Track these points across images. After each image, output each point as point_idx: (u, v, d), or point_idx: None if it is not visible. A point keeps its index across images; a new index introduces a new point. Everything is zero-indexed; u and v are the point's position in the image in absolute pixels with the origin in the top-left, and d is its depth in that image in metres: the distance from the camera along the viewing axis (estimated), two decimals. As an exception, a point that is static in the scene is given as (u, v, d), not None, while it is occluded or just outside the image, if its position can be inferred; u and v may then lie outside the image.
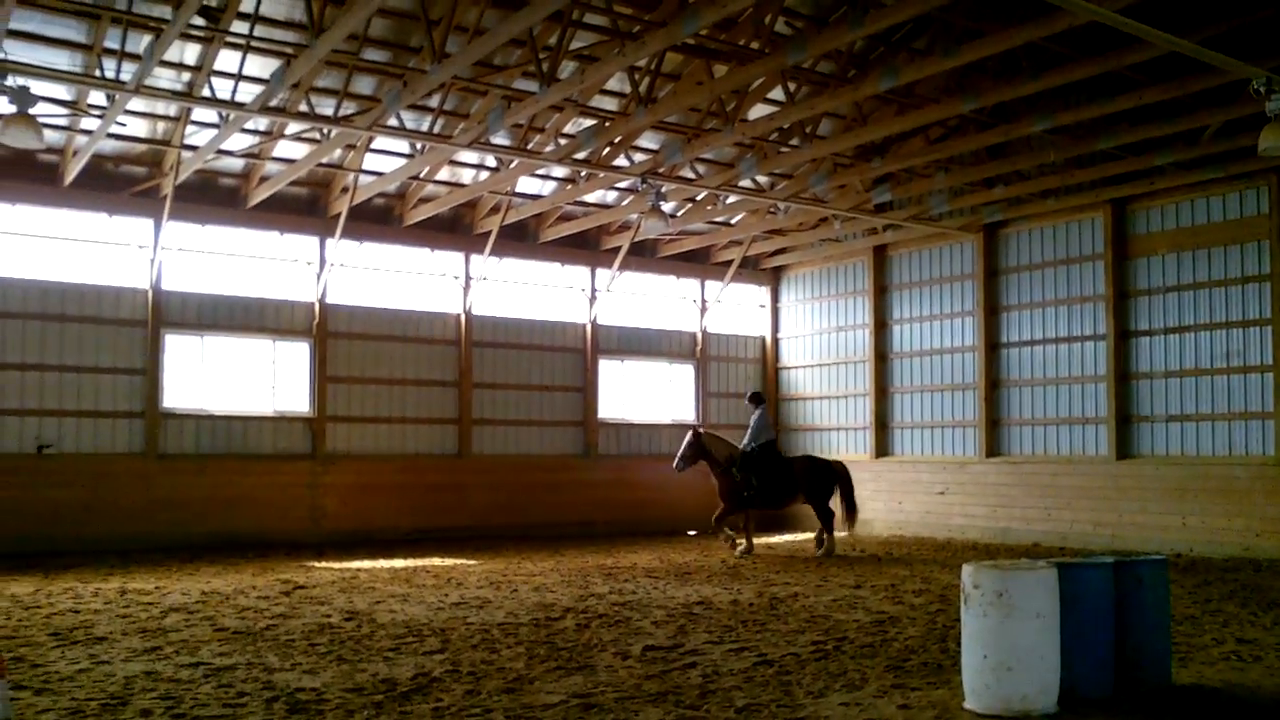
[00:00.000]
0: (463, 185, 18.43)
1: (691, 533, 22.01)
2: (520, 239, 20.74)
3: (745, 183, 18.06)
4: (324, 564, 15.64)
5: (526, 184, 19.20)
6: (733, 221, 21.38)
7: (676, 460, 17.46)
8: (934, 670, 8.20)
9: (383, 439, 19.31)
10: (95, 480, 16.59)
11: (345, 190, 18.00)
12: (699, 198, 19.52)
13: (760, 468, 17.20)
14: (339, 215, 18.06)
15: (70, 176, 16.12)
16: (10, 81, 11.95)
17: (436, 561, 16.17)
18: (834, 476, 17.53)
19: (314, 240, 18.78)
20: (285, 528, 17.99)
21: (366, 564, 15.71)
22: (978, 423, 20.13)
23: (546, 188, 19.62)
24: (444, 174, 18.63)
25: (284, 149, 17.12)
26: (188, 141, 16.03)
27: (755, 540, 17.70)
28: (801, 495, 17.36)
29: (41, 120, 12.61)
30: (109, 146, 16.47)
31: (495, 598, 12.20)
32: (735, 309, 24.26)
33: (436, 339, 19.98)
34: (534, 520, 20.23)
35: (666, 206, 17.52)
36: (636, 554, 17.63)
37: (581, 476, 21.33)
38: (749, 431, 17.72)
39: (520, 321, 21.01)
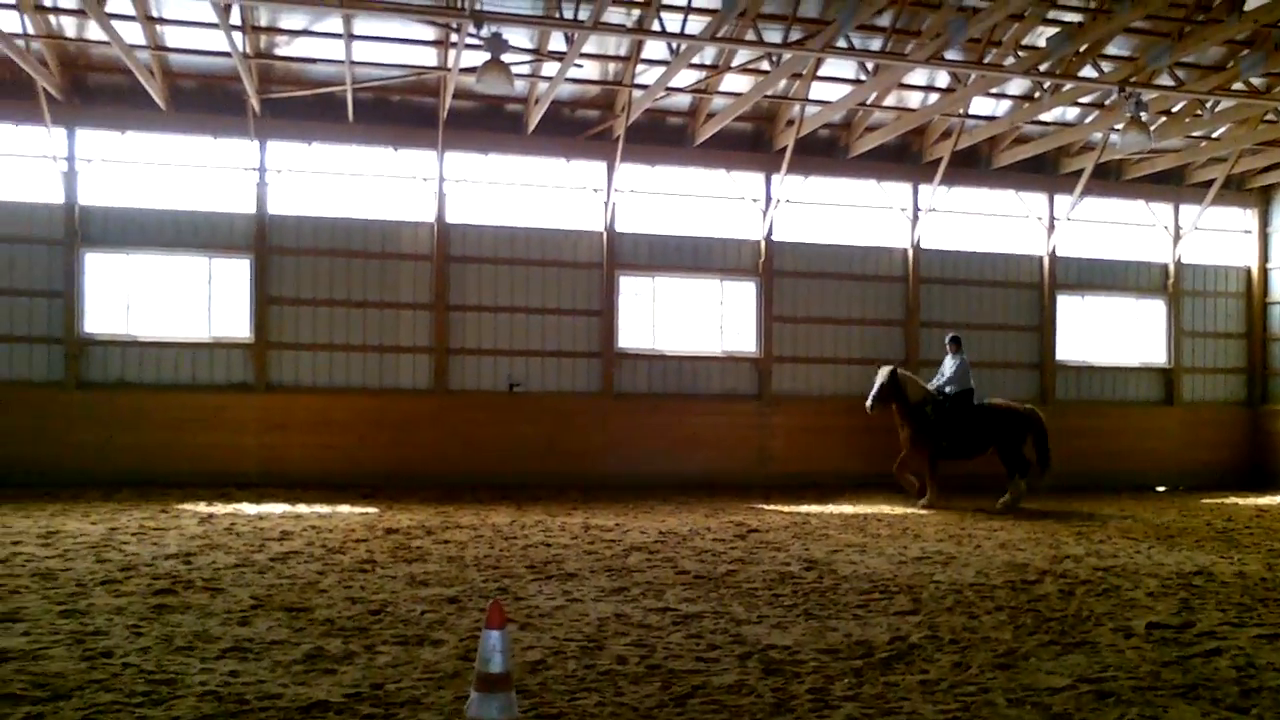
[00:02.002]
0: (912, 110, 17.34)
1: (1160, 489, 19.87)
2: (971, 165, 19.34)
3: (1237, 86, 15.60)
4: (772, 507, 15.46)
5: (979, 105, 17.77)
6: (1215, 135, 18.68)
7: (870, 399, 16.10)
8: None
9: (828, 380, 18.84)
10: (558, 417, 17.42)
11: (791, 123, 17.52)
12: (1176, 109, 17.19)
13: (956, 414, 15.87)
14: (784, 150, 17.63)
15: (532, 124, 16.81)
16: (484, 31, 12.44)
17: (886, 509, 15.53)
18: (1027, 424, 16.22)
19: (759, 177, 18.50)
20: (732, 468, 18.05)
21: (815, 508, 15.36)
22: None
23: (1000, 108, 18.08)
24: (891, 100, 17.64)
25: (730, 83, 16.90)
26: (638, 81, 16.18)
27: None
28: (994, 446, 16.13)
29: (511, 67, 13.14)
30: (566, 92, 17.01)
31: (959, 553, 11.35)
32: (1215, 236, 21.39)
33: (883, 275, 19.14)
34: (984, 469, 18.93)
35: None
36: (1103, 510, 16.04)
37: (1039, 423, 19.70)
38: (947, 376, 16.23)
39: (971, 255, 19.66)
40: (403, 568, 9.80)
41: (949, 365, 16.44)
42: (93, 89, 16.16)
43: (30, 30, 14.37)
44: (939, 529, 13.37)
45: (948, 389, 16.19)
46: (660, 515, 14.14)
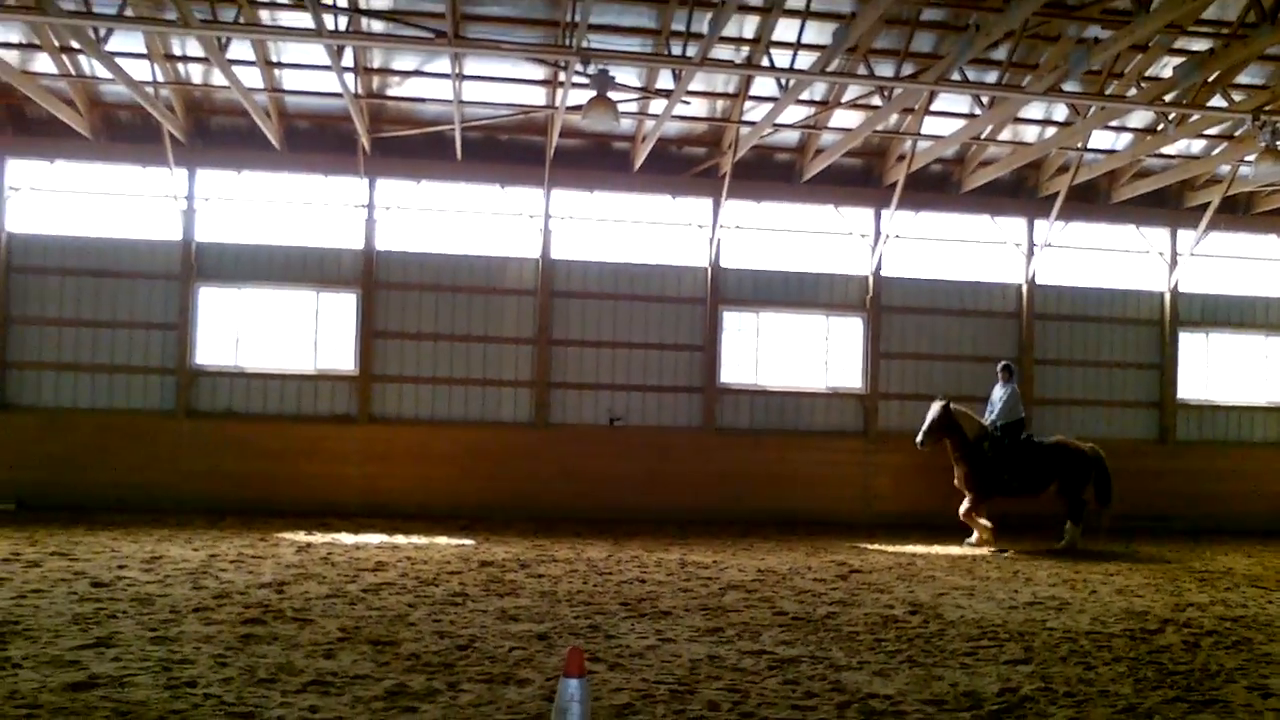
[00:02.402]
0: (1027, 144, 16.82)
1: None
2: (1089, 200, 18.68)
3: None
4: (876, 546, 15.00)
5: (1098, 139, 17.16)
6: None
7: (921, 435, 15.46)
8: None
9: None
10: (658, 452, 17.22)
11: (902, 158, 17.16)
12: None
13: (1013, 450, 15.13)
14: (895, 185, 17.27)
15: (639, 161, 16.77)
16: (591, 69, 12.46)
17: (997, 548, 14.93)
18: (1090, 463, 15.55)
19: (868, 212, 18.15)
20: (835, 507, 17.61)
21: (920, 549, 14.85)
22: None
23: (1121, 141, 17.43)
24: (1006, 134, 17.15)
25: (839, 119, 16.63)
26: (745, 118, 16.03)
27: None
28: (1056, 484, 15.44)
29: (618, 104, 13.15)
30: (673, 129, 16.94)
31: (1073, 599, 10.80)
32: (1353, 272, 20.25)
33: (995, 311, 18.55)
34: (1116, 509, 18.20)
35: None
36: (1227, 555, 15.22)
37: (1156, 465, 18.82)
38: (996, 407, 15.52)
39: (1088, 290, 18.93)
40: (494, 601, 9.69)
41: (998, 395, 15.81)
42: (213, 131, 16.66)
43: (160, 78, 14.87)
44: (1051, 573, 12.77)
45: (999, 422, 15.53)
46: (759, 553, 13.82)
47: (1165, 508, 18.58)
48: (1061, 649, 8.28)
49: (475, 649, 7.75)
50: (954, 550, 14.91)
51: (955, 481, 15.79)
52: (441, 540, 14.08)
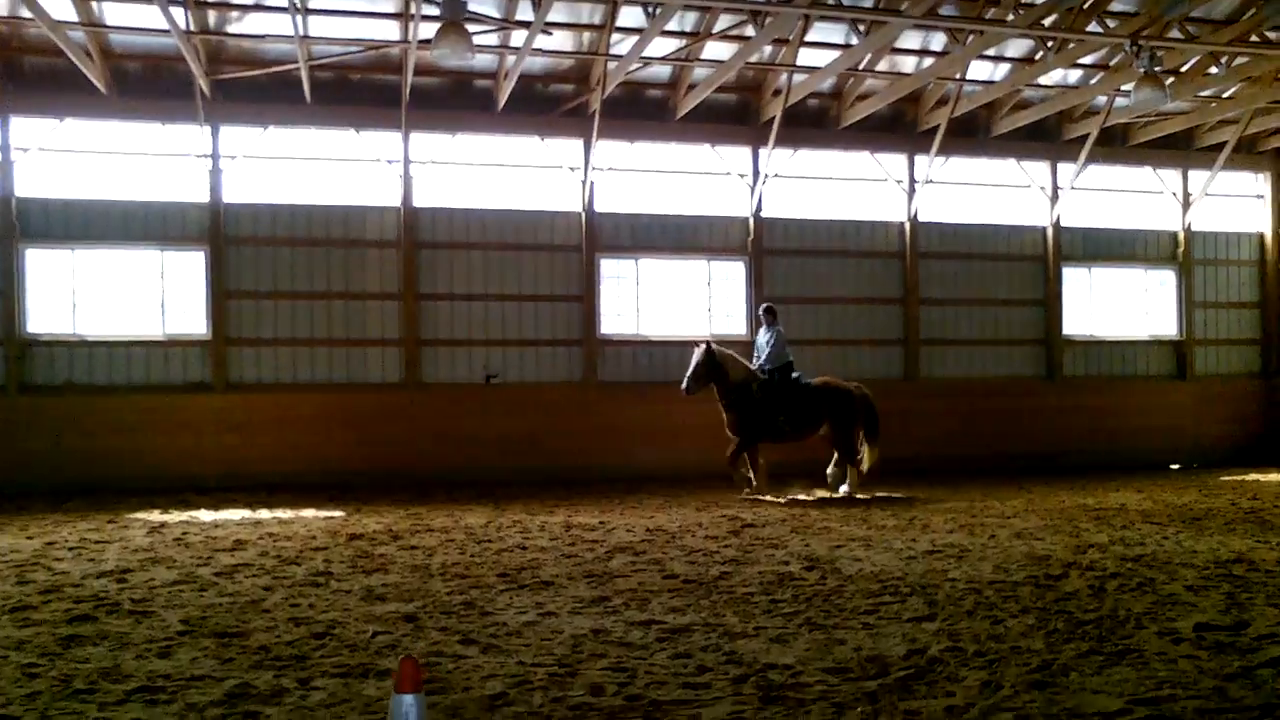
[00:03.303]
0: (906, 74, 16.34)
1: (1175, 466, 18.98)
2: (969, 134, 18.36)
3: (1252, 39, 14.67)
4: (768, 498, 14.50)
5: (976, 70, 16.80)
6: (1227, 94, 17.70)
7: (686, 380, 14.56)
8: None
9: (823, 363, 17.79)
10: (538, 409, 16.43)
11: (778, 93, 16.54)
12: (1185, 68, 16.20)
13: (782, 393, 14.49)
14: (772, 121, 16.63)
15: (502, 100, 15.81)
16: (440, -3, 11.51)
17: (881, 494, 14.58)
18: (858, 402, 14.83)
19: (746, 151, 17.53)
20: (723, 458, 17.03)
21: (810, 497, 14.39)
22: None
23: (999, 72, 17.10)
24: (884, 65, 16.65)
25: (712, 51, 15.90)
26: (614, 51, 15.17)
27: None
28: (826, 424, 14.71)
29: (475, 39, 12.20)
30: (538, 65, 16.03)
31: (973, 545, 10.39)
32: (1226, 202, 20.45)
33: (879, 251, 18.16)
34: (989, 450, 18.10)
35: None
36: (1120, 492, 15.15)
37: (1044, 402, 18.83)
38: (764, 351, 14.88)
39: (971, 227, 18.70)
40: (360, 580, 8.81)
41: (764, 339, 15.05)
42: (28, 73, 15.13)
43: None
44: (948, 518, 12.40)
45: (767, 365, 14.81)
46: (648, 511, 13.17)
47: (1056, 444, 18.57)
48: (966, 602, 7.79)
49: (333, 636, 6.90)
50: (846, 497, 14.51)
51: (726, 428, 14.87)
52: (309, 513, 13.09)
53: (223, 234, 15.55)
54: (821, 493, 14.83)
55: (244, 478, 15.21)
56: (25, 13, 13.77)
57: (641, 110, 17.07)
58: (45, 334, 15.19)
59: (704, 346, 14.54)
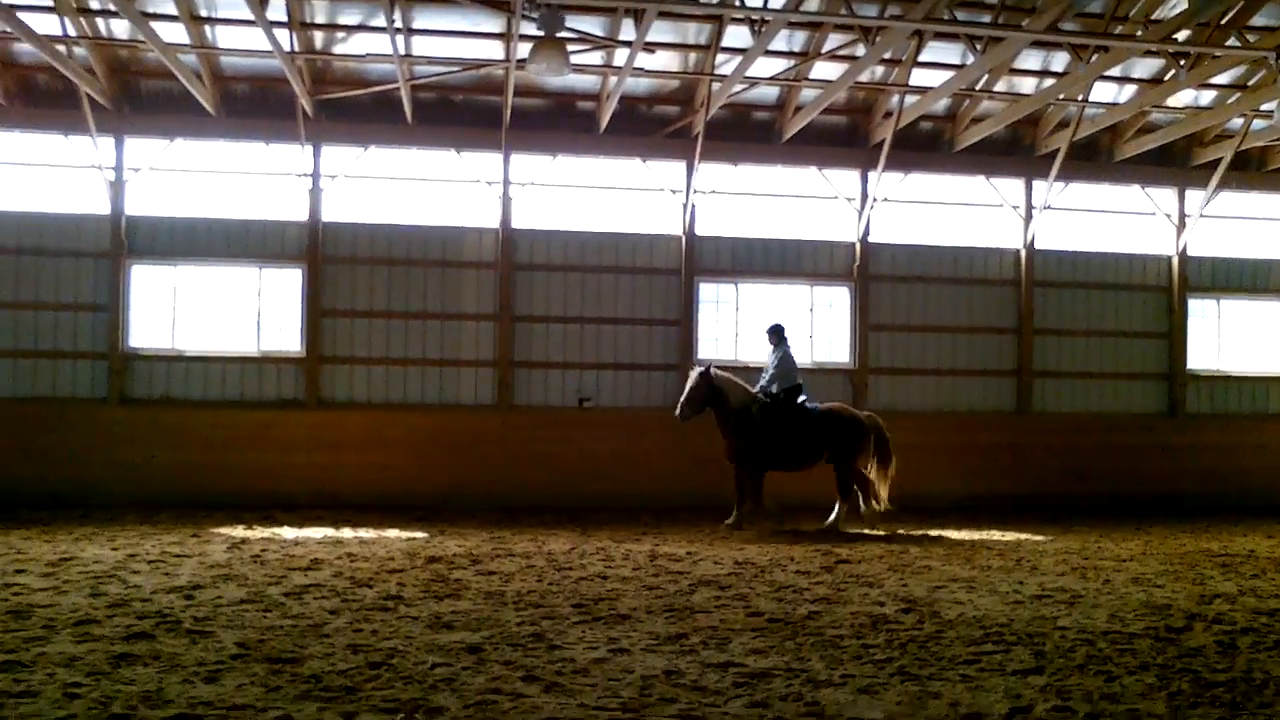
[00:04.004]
0: (1024, 96, 15.58)
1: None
2: (1090, 158, 17.46)
3: None
4: (866, 532, 13.82)
5: (1099, 91, 15.96)
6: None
7: (680, 405, 13.92)
8: None
9: (930, 393, 17.10)
10: (632, 434, 15.99)
11: (889, 114, 15.94)
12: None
13: (783, 418, 13.62)
14: (882, 144, 16.02)
15: (604, 121, 15.53)
16: (538, 9, 11.26)
17: (997, 535, 13.78)
18: (864, 433, 14.03)
19: (854, 175, 16.92)
20: (821, 489, 16.29)
21: (914, 534, 13.68)
22: None
23: (1124, 93, 16.23)
24: (1001, 85, 15.93)
25: (821, 71, 15.40)
26: (719, 71, 14.77)
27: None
28: (826, 455, 13.92)
29: (575, 57, 11.94)
30: (642, 86, 15.75)
31: (1085, 590, 9.62)
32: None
33: (992, 279, 17.34)
34: (1105, 489, 17.07)
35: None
36: (1248, 538, 14.12)
37: (1166, 439, 17.68)
38: (768, 373, 14.01)
39: (1090, 256, 17.74)
40: (430, 606, 8.48)
41: (770, 361, 14.27)
42: (144, 95, 15.39)
43: (71, 33, 13.58)
44: (1058, 559, 11.60)
45: (773, 388, 14.01)
46: (739, 542, 12.63)
47: (1178, 484, 17.42)
48: (1077, 654, 7.09)
49: (390, 667, 6.55)
50: (950, 534, 13.75)
51: (726, 455, 14.17)
52: (392, 534, 12.88)
53: (320, 252, 15.55)
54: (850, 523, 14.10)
55: (332, 496, 15.10)
56: (142, 36, 14.02)
57: (747, 132, 16.63)
58: (146, 348, 15.35)
59: (699, 370, 13.98)
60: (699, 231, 16.50)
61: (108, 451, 14.91)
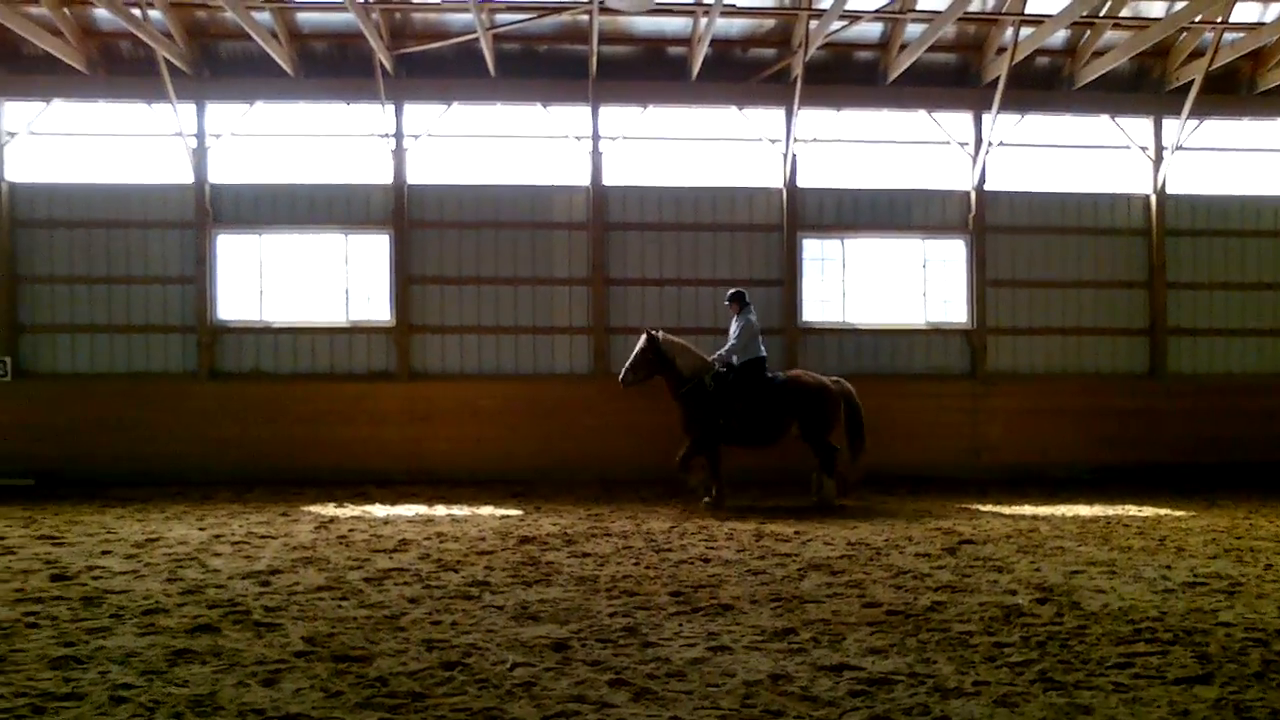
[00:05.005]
0: (1153, 20, 14.21)
1: None
2: (1228, 90, 15.98)
3: None
4: (989, 507, 12.84)
5: (1240, 11, 14.50)
6: None
7: (623, 372, 13.01)
8: None
9: (1054, 354, 15.91)
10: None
11: (1002, 50, 14.74)
12: None
13: (742, 389, 12.58)
14: (996, 82, 14.84)
15: (697, 66, 14.65)
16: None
17: (1132, 510, 12.65)
18: (833, 401, 12.95)
19: (966, 117, 15.74)
20: (940, 460, 15.42)
21: (1042, 509, 12.65)
22: None
23: (1269, 12, 14.72)
24: (1126, 11, 14.59)
25: (927, 1, 14.25)
26: (816, 6, 13.75)
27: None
28: (795, 427, 12.81)
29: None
30: (735, 28, 14.82)
31: (1244, 577, 8.55)
32: None
33: (1120, 228, 16.02)
34: (1250, 458, 15.72)
35: None
36: None
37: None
38: (731, 341, 12.91)
39: (1230, 200, 16.24)
40: (517, 593, 7.84)
41: (733, 329, 13.12)
42: (223, 58, 14.97)
43: (148, -2, 13.23)
44: (1207, 539, 10.49)
45: (733, 359, 12.92)
46: (852, 520, 11.76)
47: (1329, 454, 15.97)
48: (1250, 659, 6.11)
49: (465, 668, 5.92)
50: (1081, 509, 12.68)
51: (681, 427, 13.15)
52: (485, 511, 12.33)
53: (406, 216, 15.01)
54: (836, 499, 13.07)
55: (427, 471, 14.65)
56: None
57: (849, 74, 15.57)
58: (234, 320, 15.03)
59: (646, 336, 13.02)
60: (801, 183, 15.54)
61: (199, 427, 14.67)
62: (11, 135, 14.88)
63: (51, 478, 14.48)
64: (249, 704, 5.26)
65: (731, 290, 13.44)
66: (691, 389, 12.84)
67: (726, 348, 13.06)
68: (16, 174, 14.95)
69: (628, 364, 13.07)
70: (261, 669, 5.85)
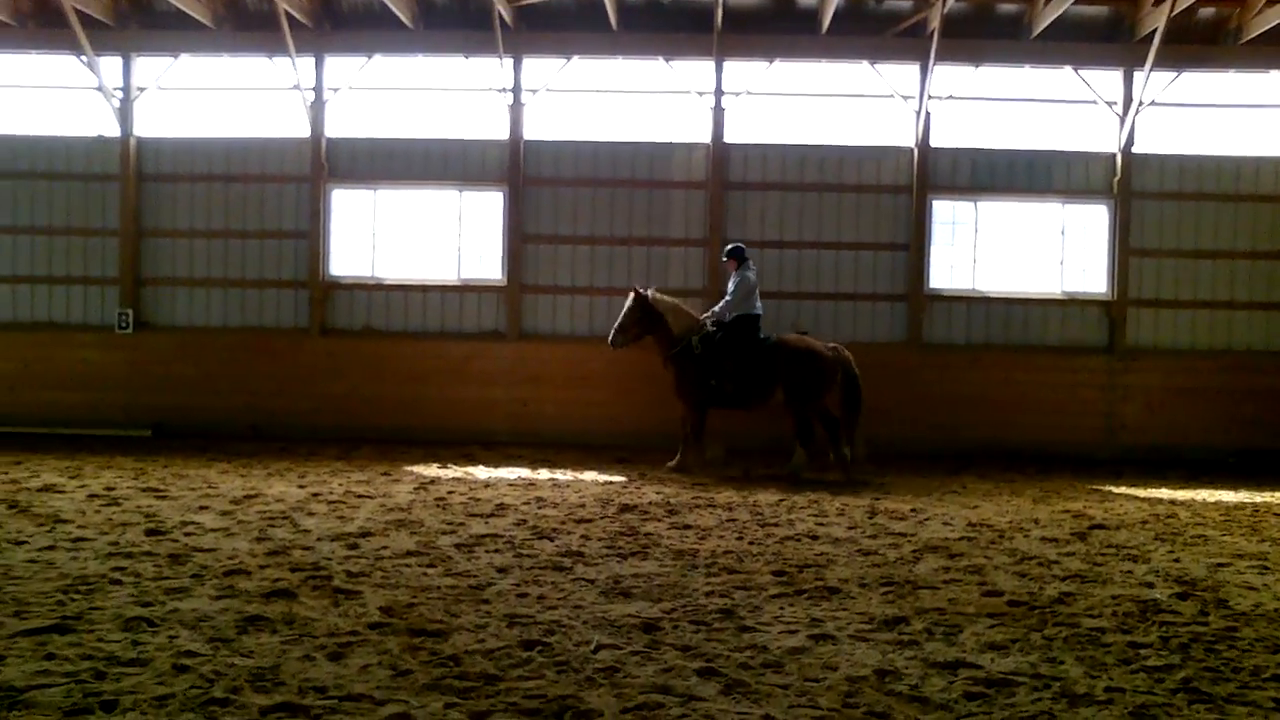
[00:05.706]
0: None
1: None
2: None
3: None
4: (1123, 490, 12.00)
5: None
6: None
7: (611, 333, 12.53)
8: None
9: (1200, 329, 14.80)
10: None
11: (1160, 1, 13.63)
12: None
13: (732, 347, 11.99)
14: (1151, 36, 13.76)
15: (827, 19, 13.94)
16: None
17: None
18: (826, 368, 12.13)
19: (1115, 75, 14.65)
20: (1071, 438, 14.50)
21: (1182, 494, 11.77)
22: None
23: None
24: (1304, -41, 13.36)
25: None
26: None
27: None
28: (780, 391, 12.09)
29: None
30: (869, -21, 14.06)
31: None
32: None
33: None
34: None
35: None
36: None
37: None
38: (727, 298, 12.40)
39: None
40: (611, 566, 7.48)
41: (729, 286, 12.41)
42: (344, 10, 14.83)
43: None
44: (1374, 533, 9.54)
45: (727, 316, 12.20)
46: (973, 499, 11.08)
47: None
48: None
49: (545, 647, 5.56)
50: (1225, 495, 11.74)
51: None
52: (588, 476, 12.03)
53: (522, 173, 14.70)
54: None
55: (533, 434, 14.42)
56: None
57: (989, 28, 14.63)
58: (346, 276, 14.97)
59: (634, 294, 12.45)
60: (933, 143, 14.71)
61: (309, 383, 14.71)
62: (141, 90, 15.02)
63: (167, 429, 14.69)
64: (311, 680, 4.98)
65: (730, 245, 12.96)
66: (681, 350, 12.38)
67: (720, 304, 12.58)
68: (144, 129, 15.10)
69: (616, 324, 12.65)
70: (331, 641, 5.58)
